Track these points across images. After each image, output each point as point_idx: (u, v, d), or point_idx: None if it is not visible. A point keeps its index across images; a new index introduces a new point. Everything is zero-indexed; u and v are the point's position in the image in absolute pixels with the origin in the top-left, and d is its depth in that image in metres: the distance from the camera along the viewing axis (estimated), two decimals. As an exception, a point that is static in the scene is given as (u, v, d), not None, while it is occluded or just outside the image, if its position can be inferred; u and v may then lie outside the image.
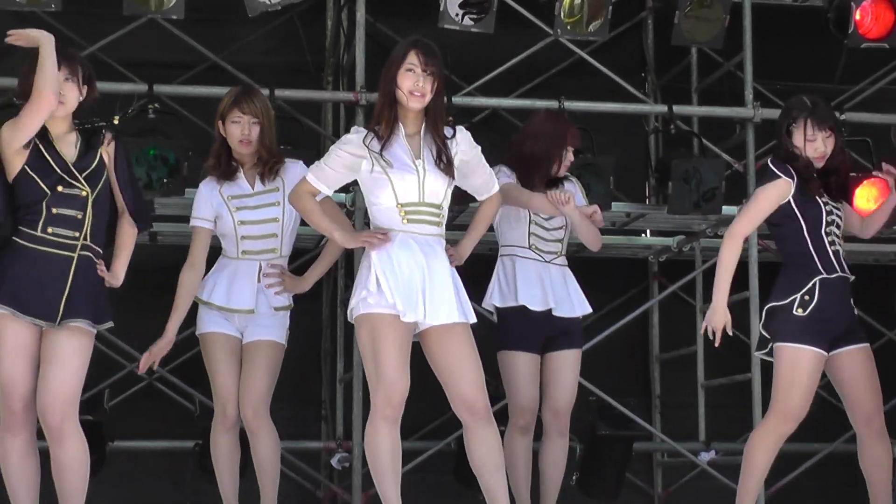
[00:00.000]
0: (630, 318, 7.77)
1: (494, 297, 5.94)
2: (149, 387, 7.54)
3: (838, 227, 5.51)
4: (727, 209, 7.35)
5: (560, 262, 6.03)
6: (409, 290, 4.92)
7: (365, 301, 4.96)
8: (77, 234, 5.05)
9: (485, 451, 4.99)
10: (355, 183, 6.61)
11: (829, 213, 5.48)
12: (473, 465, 5.03)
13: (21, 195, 5.07)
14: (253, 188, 5.75)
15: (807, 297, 5.39)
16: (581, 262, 8.37)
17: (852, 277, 5.53)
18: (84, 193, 5.07)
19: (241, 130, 5.72)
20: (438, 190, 5.02)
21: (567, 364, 5.97)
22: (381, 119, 5.04)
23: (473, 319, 5.06)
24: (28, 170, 5.05)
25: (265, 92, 6.89)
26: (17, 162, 5.06)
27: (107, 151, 5.21)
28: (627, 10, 8.34)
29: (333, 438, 7.66)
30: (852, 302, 5.54)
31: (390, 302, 4.91)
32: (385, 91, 5.03)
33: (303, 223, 5.72)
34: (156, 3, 6.89)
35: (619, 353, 8.19)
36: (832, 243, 5.46)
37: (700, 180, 7.31)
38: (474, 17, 7.15)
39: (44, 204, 5.02)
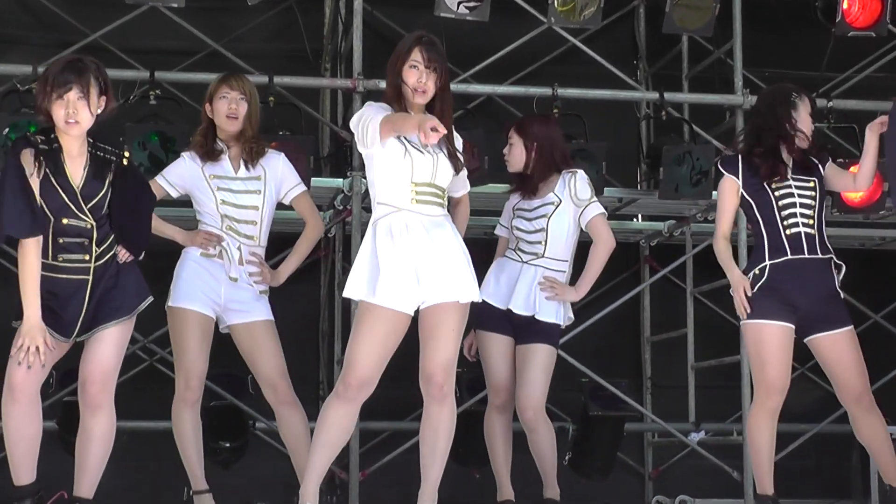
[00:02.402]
0: (622, 301, 7.86)
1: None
2: (150, 368, 7.62)
3: (808, 206, 5.59)
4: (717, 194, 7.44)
5: (540, 264, 6.02)
6: (406, 276, 5.00)
7: (357, 286, 5.06)
8: (87, 258, 5.07)
9: (430, 429, 5.11)
10: (352, 167, 6.74)
11: (788, 195, 5.58)
12: (421, 436, 5.15)
13: None
14: (236, 173, 5.80)
15: (757, 273, 5.56)
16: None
17: (825, 257, 5.58)
18: (89, 226, 5.07)
19: (228, 105, 5.76)
20: (446, 175, 5.13)
21: (528, 357, 5.97)
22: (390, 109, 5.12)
23: (470, 298, 5.11)
24: (38, 194, 5.02)
25: (264, 79, 7.03)
26: (32, 183, 5.03)
27: (115, 183, 5.14)
28: (619, -2, 8.46)
29: (331, 419, 7.74)
30: (835, 284, 5.61)
31: (383, 297, 4.99)
32: (391, 84, 5.13)
33: (280, 209, 5.89)
34: (157, -10, 7.00)
35: (610, 336, 8.30)
36: (792, 225, 5.56)
37: (691, 166, 7.41)
38: (470, 5, 7.24)
39: (51, 232, 5.03)
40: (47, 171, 5.00)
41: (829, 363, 5.64)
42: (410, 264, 5.01)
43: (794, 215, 5.57)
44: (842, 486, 8.00)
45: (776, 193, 5.58)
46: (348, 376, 5.03)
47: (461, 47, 7.74)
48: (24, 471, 5.21)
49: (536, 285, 5.98)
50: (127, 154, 5.21)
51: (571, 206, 6.04)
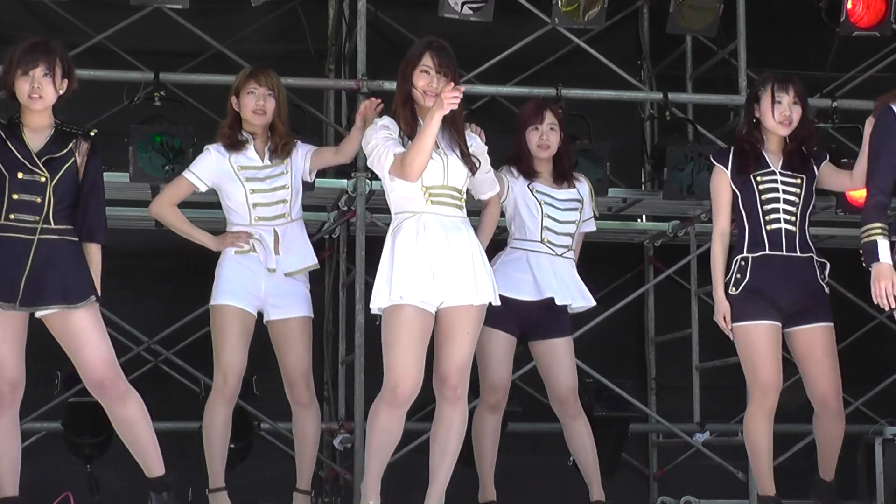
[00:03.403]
0: (626, 301, 7.86)
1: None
2: (155, 369, 7.62)
3: (792, 203, 5.57)
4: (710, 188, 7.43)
5: (570, 256, 6.10)
6: (425, 275, 5.08)
7: (381, 295, 5.14)
8: (37, 218, 5.11)
9: (443, 430, 5.22)
10: (356, 168, 6.75)
11: (772, 190, 5.58)
12: (432, 436, 5.26)
13: None
14: (262, 161, 5.84)
15: (738, 276, 5.56)
16: (578, 247, 8.53)
17: (805, 255, 5.57)
18: (43, 179, 5.13)
19: (255, 101, 5.81)
20: (460, 175, 5.20)
21: (560, 351, 6.05)
22: (400, 114, 5.22)
23: (488, 301, 5.19)
24: None
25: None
26: None
27: (79, 152, 5.25)
28: (623, -1, 8.47)
29: (335, 419, 7.75)
30: (818, 280, 5.59)
31: (407, 295, 5.07)
32: (402, 88, 5.20)
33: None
34: (161, -9, 7.01)
35: (615, 336, 8.30)
36: (774, 221, 5.55)
37: (695, 166, 7.41)
38: (473, 6, 7.25)
39: (6, 190, 5.11)
40: (2, 135, 5.13)
41: (801, 357, 5.64)
42: (427, 264, 5.08)
43: (776, 210, 5.56)
44: (847, 486, 7.98)
45: (760, 187, 5.58)
46: (398, 386, 5.10)
47: (465, 48, 7.70)
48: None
49: (577, 277, 6.04)
50: (94, 130, 5.31)
51: (586, 208, 6.13)
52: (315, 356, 8.12)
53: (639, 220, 8.45)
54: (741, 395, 7.52)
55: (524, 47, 7.65)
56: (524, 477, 7.98)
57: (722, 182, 5.66)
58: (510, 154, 6.14)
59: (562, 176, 6.10)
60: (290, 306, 5.80)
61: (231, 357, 5.74)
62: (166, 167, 6.80)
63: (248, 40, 8.10)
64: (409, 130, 5.18)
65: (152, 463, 5.30)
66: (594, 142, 7.40)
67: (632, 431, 7.63)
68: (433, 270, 5.07)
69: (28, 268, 5.09)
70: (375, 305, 5.16)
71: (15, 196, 5.10)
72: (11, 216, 5.10)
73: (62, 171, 5.18)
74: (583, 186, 6.19)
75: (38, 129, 5.21)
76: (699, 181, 7.28)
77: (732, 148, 5.73)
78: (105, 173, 5.51)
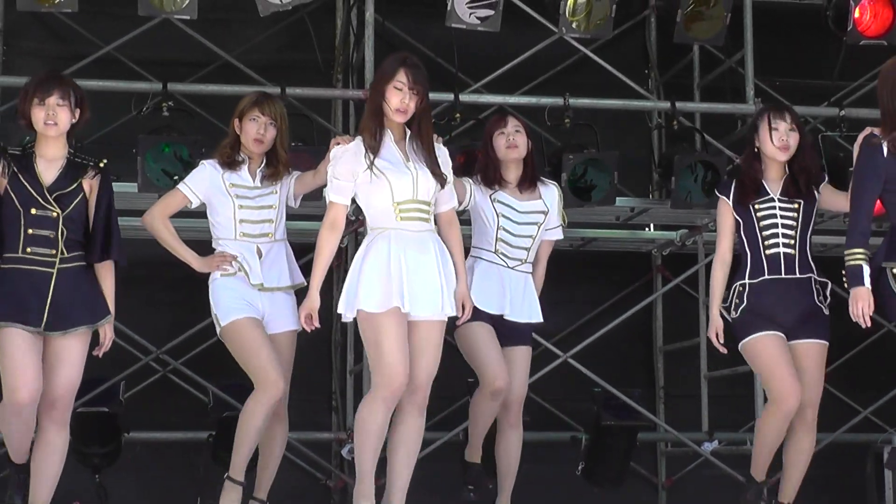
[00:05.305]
0: (634, 310, 7.88)
1: None
2: (163, 379, 7.64)
3: (790, 227, 5.72)
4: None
5: (524, 270, 6.06)
6: (391, 284, 5.20)
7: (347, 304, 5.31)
8: (53, 252, 5.35)
9: (403, 435, 5.31)
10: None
11: (770, 216, 5.73)
12: (389, 441, 5.32)
13: (3, 217, 5.39)
14: (254, 182, 5.91)
15: (737, 301, 5.75)
16: (586, 256, 8.54)
17: (804, 276, 5.68)
18: (55, 215, 5.36)
19: (256, 129, 5.87)
20: (429, 188, 5.31)
21: (517, 359, 6.02)
22: (368, 128, 5.32)
23: (448, 314, 5.31)
24: (9, 189, 5.37)
25: (276, 90, 7.05)
26: (1, 182, 5.39)
27: (89, 183, 5.47)
28: (631, 8, 8.45)
29: (343, 429, 7.77)
30: (815, 300, 5.70)
31: (369, 303, 5.22)
32: (372, 101, 5.32)
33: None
34: (169, 3, 7.01)
35: (623, 345, 8.31)
36: (772, 245, 5.72)
37: (703, 175, 7.41)
38: (481, 15, 7.26)
39: (21, 225, 5.35)
40: (16, 170, 5.36)
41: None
42: (392, 275, 5.20)
43: (775, 235, 5.73)
44: (856, 495, 7.99)
45: (758, 215, 5.76)
46: (394, 381, 5.18)
47: (473, 58, 7.77)
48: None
49: (528, 292, 6.01)
50: (104, 161, 5.50)
51: (552, 217, 6.09)
52: (323, 366, 8.18)
53: (647, 230, 8.46)
54: (749, 405, 7.55)
55: (532, 57, 7.67)
56: (532, 486, 7.97)
57: (725, 211, 5.84)
58: (477, 166, 6.13)
59: (529, 181, 6.10)
60: (279, 319, 5.86)
61: (266, 362, 5.71)
62: (175, 177, 6.81)
63: (256, 51, 8.12)
64: (375, 144, 5.29)
65: (47, 495, 5.47)
66: (602, 151, 7.40)
67: (640, 440, 7.62)
68: (398, 283, 5.21)
69: (50, 297, 5.32)
70: (342, 310, 5.32)
71: (30, 231, 5.35)
72: (28, 250, 5.34)
73: (72, 205, 5.41)
74: (551, 194, 6.12)
75: (51, 160, 5.43)
76: (707, 190, 7.30)
77: (734, 179, 5.90)
78: (114, 184, 5.62)
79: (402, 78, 5.24)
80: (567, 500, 7.95)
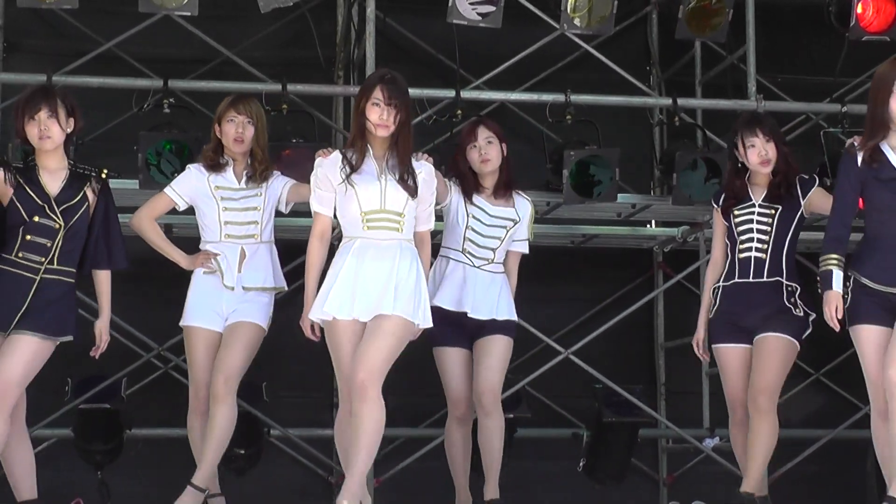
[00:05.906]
0: (635, 307, 7.88)
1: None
2: (165, 375, 7.65)
3: (764, 232, 5.89)
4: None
5: (490, 269, 6.11)
6: (344, 291, 5.37)
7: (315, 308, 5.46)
8: (42, 259, 5.51)
9: (354, 425, 5.32)
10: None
11: (747, 221, 5.93)
12: (343, 431, 5.46)
13: (7, 221, 5.55)
14: (239, 183, 6.02)
15: (714, 303, 5.99)
16: (587, 252, 8.54)
17: (771, 280, 5.84)
18: (57, 226, 5.54)
19: (235, 129, 6.01)
20: (399, 199, 5.43)
21: (488, 348, 6.06)
22: (351, 143, 5.50)
23: (404, 314, 5.34)
24: (14, 199, 5.53)
25: (277, 86, 7.06)
26: (7, 193, 5.57)
27: (92, 191, 5.63)
28: (632, 4, 8.45)
29: (344, 426, 7.76)
30: (784, 302, 5.83)
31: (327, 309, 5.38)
32: (356, 119, 5.48)
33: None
34: (170, -1, 7.03)
35: (624, 342, 8.30)
36: (746, 250, 5.91)
37: (704, 172, 7.41)
38: (482, 11, 7.26)
39: (21, 231, 5.50)
40: (21, 181, 5.55)
41: (752, 359, 5.89)
42: (345, 282, 5.36)
43: (750, 240, 5.92)
44: (856, 491, 7.98)
45: (736, 220, 5.96)
46: (346, 391, 5.38)
47: (474, 54, 7.76)
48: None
49: (492, 289, 6.06)
50: (106, 171, 5.67)
51: (521, 228, 6.15)
52: (324, 363, 8.16)
53: (648, 226, 8.46)
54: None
55: (533, 53, 7.66)
56: (534, 482, 7.98)
57: (717, 218, 6.08)
58: (453, 174, 6.18)
59: (504, 186, 6.14)
60: (243, 313, 5.96)
61: (199, 373, 5.96)
62: (175, 174, 6.82)
63: (257, 47, 8.13)
64: (359, 159, 5.44)
65: (31, 485, 5.60)
66: (603, 147, 7.40)
67: (641, 437, 7.62)
68: (354, 291, 5.35)
69: (27, 303, 5.46)
70: (313, 316, 5.46)
71: (28, 237, 5.50)
72: (20, 254, 5.50)
73: (76, 217, 5.56)
74: (525, 207, 6.20)
75: (53, 171, 5.59)
76: (708, 187, 7.30)
77: (723, 190, 6.12)
78: (114, 181, 5.77)
79: (378, 94, 5.40)
80: (568, 497, 7.95)
